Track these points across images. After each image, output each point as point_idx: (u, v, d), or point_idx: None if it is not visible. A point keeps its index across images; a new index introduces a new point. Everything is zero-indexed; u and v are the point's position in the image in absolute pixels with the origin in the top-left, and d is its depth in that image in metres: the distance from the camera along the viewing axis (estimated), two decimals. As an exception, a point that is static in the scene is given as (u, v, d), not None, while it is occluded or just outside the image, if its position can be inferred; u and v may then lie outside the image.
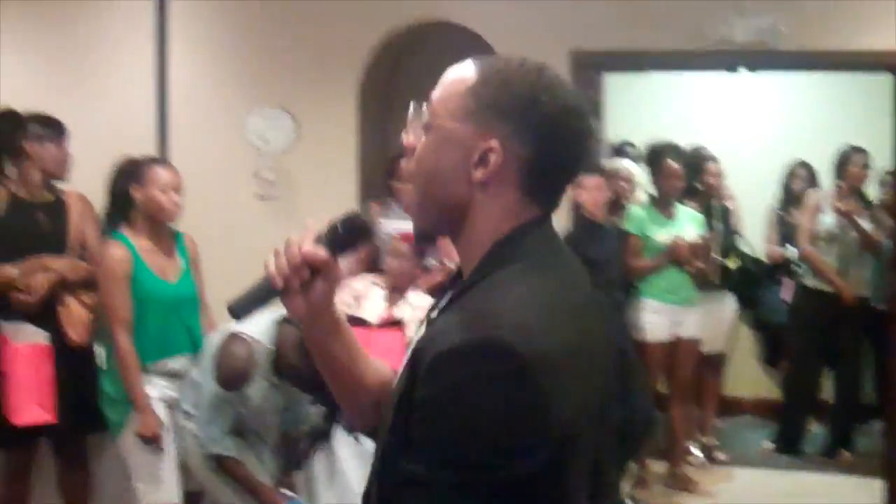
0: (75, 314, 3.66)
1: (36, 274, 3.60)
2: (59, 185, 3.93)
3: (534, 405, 1.16)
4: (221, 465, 3.47)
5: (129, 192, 3.57)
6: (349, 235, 1.45)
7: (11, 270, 3.61)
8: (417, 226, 1.41)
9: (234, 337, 3.41)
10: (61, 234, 3.76)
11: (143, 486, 3.53)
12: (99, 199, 3.84)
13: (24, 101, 4.31)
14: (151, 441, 3.48)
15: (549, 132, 1.31)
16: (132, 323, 3.49)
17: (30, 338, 3.61)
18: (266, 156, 5.50)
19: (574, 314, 1.29)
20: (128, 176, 3.60)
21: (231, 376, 3.37)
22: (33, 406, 3.59)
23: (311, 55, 5.47)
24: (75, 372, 3.67)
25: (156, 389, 3.58)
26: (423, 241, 1.25)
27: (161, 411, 3.55)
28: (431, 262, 4.58)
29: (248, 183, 5.47)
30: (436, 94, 1.38)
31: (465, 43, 5.48)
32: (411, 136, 1.39)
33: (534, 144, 1.31)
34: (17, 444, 3.77)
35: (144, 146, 4.94)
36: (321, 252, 1.41)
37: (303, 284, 1.42)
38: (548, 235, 1.36)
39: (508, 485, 1.15)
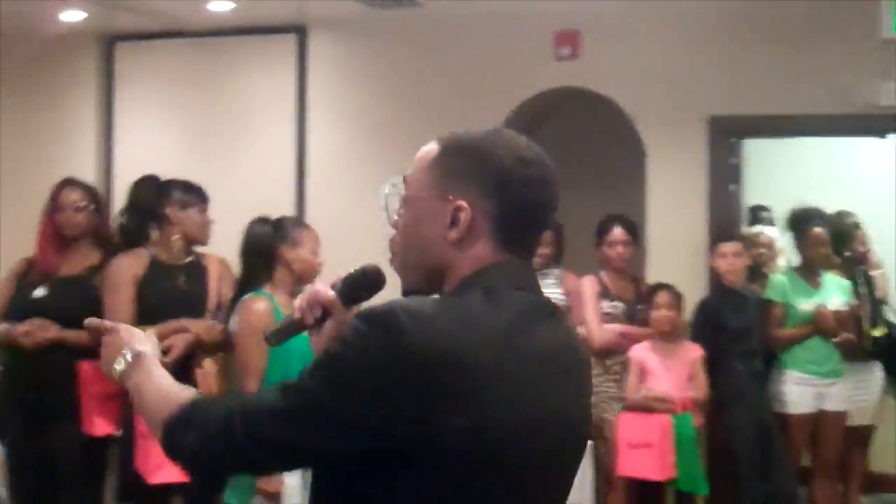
0: (210, 375, 3.72)
1: (174, 335, 3.68)
2: (200, 249, 4.02)
3: (407, 375, 1.31)
4: None
5: (273, 251, 3.61)
6: (356, 286, 1.55)
7: (150, 332, 3.70)
8: (406, 287, 1.52)
9: None
10: (200, 297, 3.83)
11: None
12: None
13: (168, 167, 4.47)
14: (274, 497, 3.46)
15: (509, 185, 1.43)
16: (264, 376, 3.50)
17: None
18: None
19: (490, 335, 1.37)
20: (274, 236, 3.65)
21: None
22: (168, 465, 3.64)
23: (445, 124, 5.50)
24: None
25: None
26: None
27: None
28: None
29: (379, 247, 5.51)
30: (409, 171, 1.51)
31: (600, 110, 5.45)
32: (394, 214, 1.53)
33: (497, 198, 1.43)
34: (151, 502, 3.83)
35: (283, 211, 5.04)
36: (330, 294, 1.53)
37: (317, 321, 1.54)
38: (507, 272, 1.44)
39: (365, 433, 1.32)
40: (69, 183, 4.00)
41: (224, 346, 3.75)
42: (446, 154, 1.48)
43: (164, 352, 3.65)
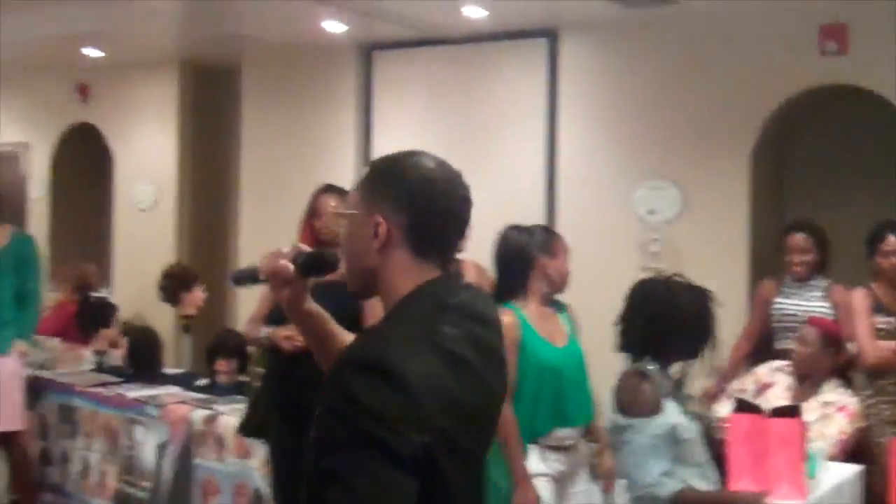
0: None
1: None
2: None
3: (404, 402, 1.52)
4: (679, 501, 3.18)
5: (531, 260, 3.58)
6: (316, 264, 1.90)
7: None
8: (351, 290, 1.79)
9: (629, 375, 3.20)
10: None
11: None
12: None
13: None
14: None
15: (417, 201, 1.69)
16: (514, 392, 3.46)
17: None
18: (652, 227, 5.40)
19: (437, 354, 1.60)
20: (532, 244, 3.62)
21: (647, 409, 3.15)
22: None
23: (701, 126, 5.33)
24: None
25: (545, 464, 3.52)
26: (357, 298, 1.42)
27: (544, 488, 3.49)
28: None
29: (632, 254, 5.40)
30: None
31: (869, 108, 5.09)
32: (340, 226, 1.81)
33: (408, 212, 1.69)
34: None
35: (533, 217, 5.01)
36: (290, 268, 1.89)
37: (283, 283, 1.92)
38: (437, 294, 1.69)
39: (394, 459, 1.50)
40: (328, 189, 4.09)
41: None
42: (369, 177, 1.76)
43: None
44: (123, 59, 7.50)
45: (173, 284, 6.16)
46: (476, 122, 6.04)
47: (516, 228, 3.69)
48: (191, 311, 6.11)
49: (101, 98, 8.06)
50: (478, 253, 3.97)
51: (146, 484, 4.73)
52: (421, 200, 1.70)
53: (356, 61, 6.47)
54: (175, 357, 6.38)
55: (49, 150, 8.49)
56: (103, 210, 8.28)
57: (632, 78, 5.57)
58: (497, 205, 5.55)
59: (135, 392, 4.96)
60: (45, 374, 5.33)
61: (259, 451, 4.23)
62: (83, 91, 8.14)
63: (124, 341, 5.72)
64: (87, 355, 5.73)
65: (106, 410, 4.96)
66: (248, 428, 4.10)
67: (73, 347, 5.85)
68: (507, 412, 3.42)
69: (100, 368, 5.58)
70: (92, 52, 7.31)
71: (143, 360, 5.42)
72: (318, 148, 6.60)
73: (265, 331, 3.96)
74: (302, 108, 6.67)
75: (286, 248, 1.92)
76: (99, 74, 7.93)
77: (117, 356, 5.73)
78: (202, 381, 5.25)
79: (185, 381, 5.26)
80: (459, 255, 3.97)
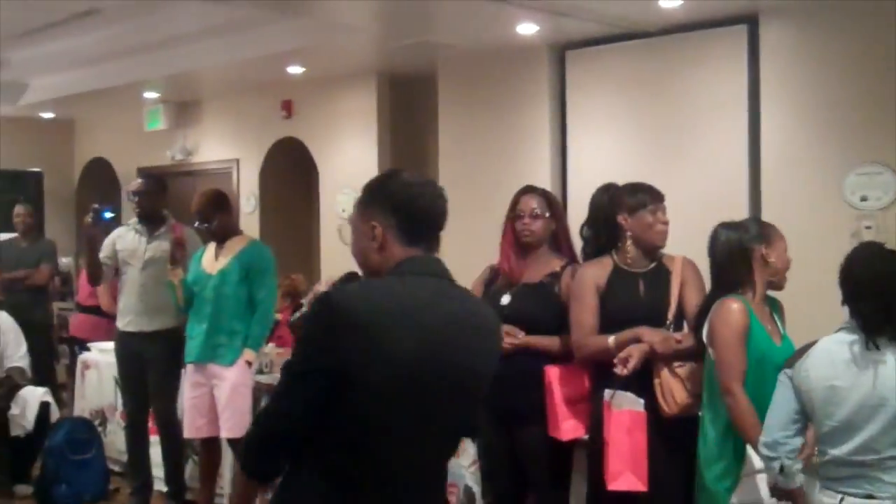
0: (667, 387, 3.64)
1: (629, 346, 3.64)
2: (667, 251, 3.92)
3: (333, 327, 2.06)
4: None
5: (751, 253, 3.46)
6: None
7: (607, 340, 3.70)
8: None
9: None
10: (660, 305, 3.75)
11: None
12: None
13: (620, 170, 4.47)
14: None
15: (401, 206, 2.21)
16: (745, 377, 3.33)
17: (628, 405, 3.66)
18: (864, 215, 5.13)
19: (400, 303, 2.12)
20: (749, 237, 3.49)
21: None
22: (627, 473, 3.63)
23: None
24: (670, 442, 3.65)
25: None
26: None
27: (762, 485, 3.36)
28: None
29: (843, 244, 5.12)
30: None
31: None
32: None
33: (394, 216, 2.21)
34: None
35: (737, 210, 4.85)
36: None
37: None
38: (417, 264, 2.20)
39: (300, 375, 2.10)
40: (528, 190, 4.09)
41: (685, 356, 3.65)
42: (363, 194, 2.29)
43: (619, 362, 3.63)
44: (323, 74, 7.79)
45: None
46: (674, 116, 5.92)
47: (727, 225, 3.56)
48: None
49: (304, 113, 8.39)
50: (683, 248, 3.88)
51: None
52: (404, 205, 2.23)
53: (549, 62, 6.47)
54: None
55: (257, 165, 8.91)
56: (310, 220, 8.62)
57: (838, 59, 5.31)
58: (698, 198, 5.44)
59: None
60: (263, 378, 5.57)
61: (469, 450, 4.28)
62: (287, 107, 8.50)
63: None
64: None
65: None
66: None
67: (288, 352, 6.09)
68: (742, 397, 3.28)
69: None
70: (294, 70, 7.63)
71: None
72: (514, 150, 6.63)
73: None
74: (497, 112, 6.72)
75: (322, 286, 2.53)
76: (301, 90, 8.26)
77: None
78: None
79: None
80: (669, 251, 3.90)
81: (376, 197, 2.25)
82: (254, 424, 2.23)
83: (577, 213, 6.14)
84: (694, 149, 5.81)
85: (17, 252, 7.37)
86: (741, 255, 3.47)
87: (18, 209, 7.70)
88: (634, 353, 3.63)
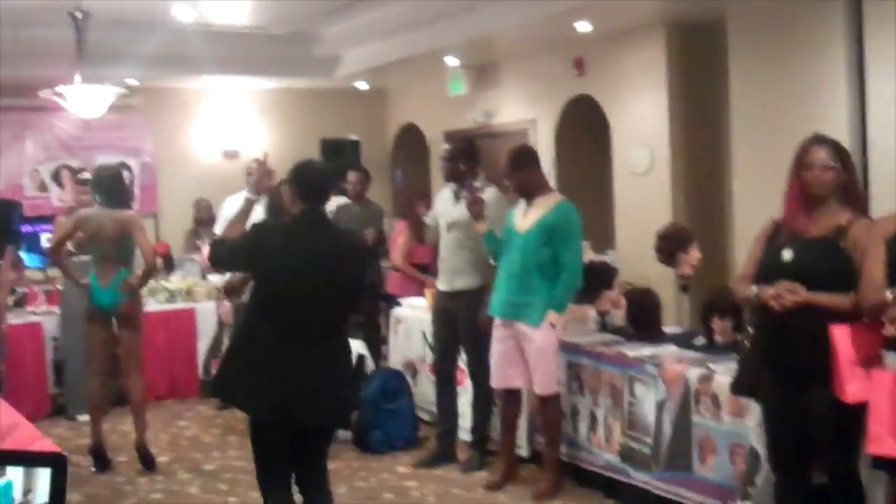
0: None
1: None
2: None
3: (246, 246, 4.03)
4: None
5: None
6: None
7: (886, 294, 3.51)
8: None
9: None
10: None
11: None
12: None
13: None
14: None
15: (297, 180, 4.01)
16: None
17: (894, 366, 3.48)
18: None
19: (296, 235, 3.95)
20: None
21: None
22: (888, 438, 3.45)
23: None
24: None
25: None
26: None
27: None
28: None
29: None
30: None
31: None
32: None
33: (293, 187, 4.02)
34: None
35: None
36: None
37: None
38: (310, 213, 3.98)
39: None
40: (817, 141, 3.90)
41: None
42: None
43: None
44: (612, 28, 7.79)
45: (669, 245, 6.27)
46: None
47: None
48: (687, 270, 6.20)
49: (596, 69, 8.44)
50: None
51: (648, 440, 4.95)
52: (300, 179, 4.03)
53: (844, 5, 6.10)
54: (675, 316, 6.53)
55: (552, 124, 9.07)
56: (603, 177, 8.68)
57: None
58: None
59: (634, 351, 5.19)
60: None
61: (754, 411, 4.23)
62: (580, 64, 8.58)
63: (625, 302, 5.98)
64: (592, 315, 6.08)
65: (608, 368, 5.25)
66: (740, 387, 4.12)
67: (580, 309, 6.23)
68: None
69: (603, 328, 5.90)
70: (583, 26, 7.68)
71: (642, 319, 5.63)
72: (808, 97, 6.34)
73: (753, 289, 3.92)
74: (789, 58, 6.44)
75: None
76: (591, 47, 8.30)
77: (619, 316, 6.00)
78: (699, 340, 5.33)
79: (683, 341, 5.38)
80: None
81: (290, 174, 4.08)
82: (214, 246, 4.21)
83: (878, 160, 5.85)
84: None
85: (351, 216, 7.89)
86: None
87: (351, 176, 8.11)
88: None
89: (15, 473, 1.65)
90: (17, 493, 1.65)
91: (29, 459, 1.67)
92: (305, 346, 3.87)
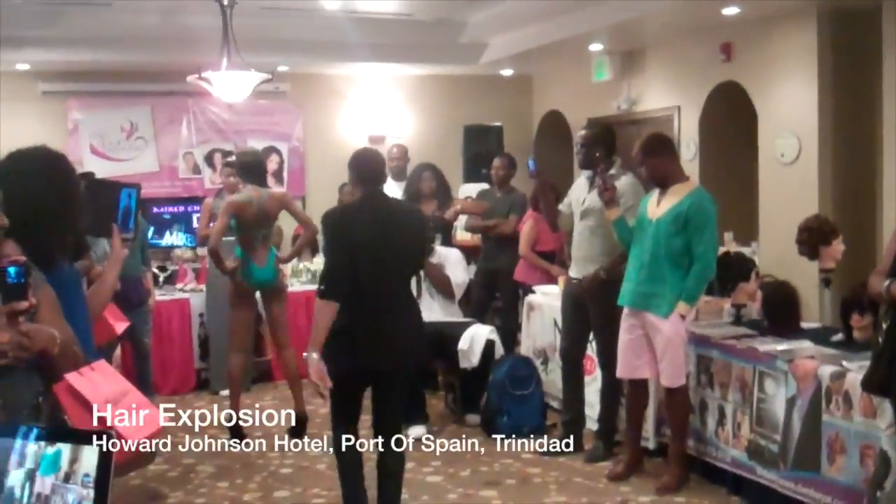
0: None
1: None
2: None
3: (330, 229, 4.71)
4: None
5: None
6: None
7: None
8: None
9: None
10: None
11: None
12: None
13: None
14: None
15: (355, 167, 4.67)
16: None
17: None
18: None
19: (360, 214, 4.53)
20: None
21: None
22: None
23: None
24: None
25: None
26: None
27: None
28: None
29: None
30: None
31: None
32: None
33: (354, 172, 4.63)
34: None
35: None
36: None
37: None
38: (370, 194, 4.55)
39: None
40: None
41: None
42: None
43: None
44: (761, 13, 7.54)
45: (811, 238, 6.04)
46: None
47: None
48: (829, 264, 5.97)
49: (743, 55, 8.18)
50: None
51: (776, 437, 4.79)
52: (358, 165, 4.59)
53: None
54: (816, 312, 6.29)
55: (697, 112, 8.85)
56: (748, 166, 8.42)
57: None
58: None
59: (766, 346, 5.03)
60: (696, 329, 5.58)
61: (887, 412, 4.04)
62: (727, 50, 8.33)
63: (760, 295, 5.79)
64: (727, 308, 5.91)
65: (738, 362, 5.10)
66: (871, 383, 3.94)
67: (715, 301, 6.08)
68: None
69: (737, 321, 5.74)
70: (730, 10, 7.47)
71: (778, 313, 5.45)
72: None
73: (886, 284, 3.75)
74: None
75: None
76: (739, 32, 8.06)
77: (756, 310, 5.82)
78: (837, 337, 5.12)
79: (820, 337, 5.18)
80: None
81: (350, 164, 4.63)
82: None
83: None
84: None
85: (492, 202, 7.92)
86: None
87: (496, 161, 8.08)
88: None
89: (64, 445, 1.79)
90: (65, 462, 1.81)
91: (80, 436, 1.81)
92: (376, 305, 4.39)
